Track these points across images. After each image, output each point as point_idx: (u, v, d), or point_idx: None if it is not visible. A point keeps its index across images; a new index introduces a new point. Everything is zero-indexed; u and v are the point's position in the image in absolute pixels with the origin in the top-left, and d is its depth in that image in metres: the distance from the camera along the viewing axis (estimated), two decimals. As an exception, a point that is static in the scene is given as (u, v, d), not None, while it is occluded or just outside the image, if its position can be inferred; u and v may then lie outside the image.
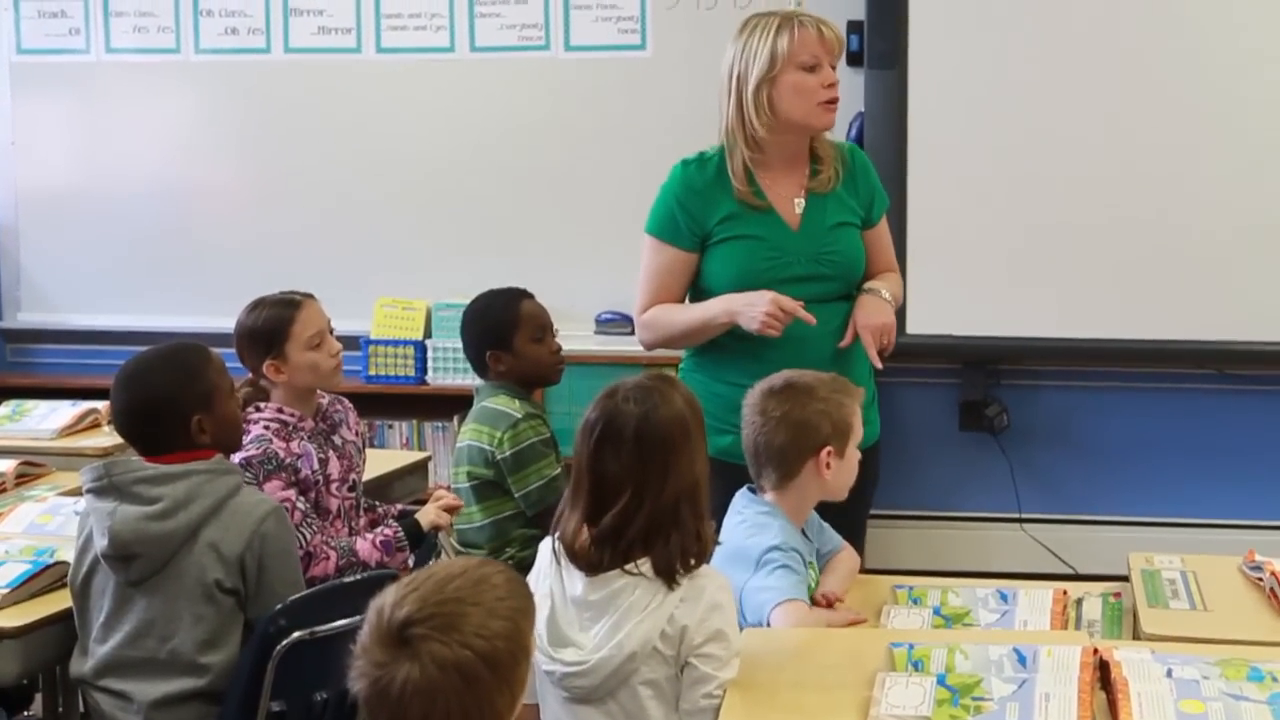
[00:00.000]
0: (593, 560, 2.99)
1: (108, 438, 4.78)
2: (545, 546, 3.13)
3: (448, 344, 6.41)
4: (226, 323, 6.52)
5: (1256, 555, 3.54)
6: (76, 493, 4.20)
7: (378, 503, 4.45)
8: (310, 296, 4.20)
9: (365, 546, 4.02)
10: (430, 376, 6.44)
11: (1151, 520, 6.22)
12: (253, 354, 4.03)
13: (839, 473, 3.45)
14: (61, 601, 3.57)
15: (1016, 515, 6.26)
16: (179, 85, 6.81)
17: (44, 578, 3.63)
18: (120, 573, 3.36)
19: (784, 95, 3.95)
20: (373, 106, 6.64)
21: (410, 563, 4.18)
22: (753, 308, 3.86)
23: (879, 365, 3.96)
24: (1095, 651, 2.86)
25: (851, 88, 5.96)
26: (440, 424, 6.41)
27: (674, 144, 6.29)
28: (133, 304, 6.89)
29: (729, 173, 4.02)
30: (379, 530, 4.11)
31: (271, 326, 4.06)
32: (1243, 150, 5.90)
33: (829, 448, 3.40)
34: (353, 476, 4.22)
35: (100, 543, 3.35)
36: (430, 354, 6.44)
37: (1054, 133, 5.94)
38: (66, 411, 4.98)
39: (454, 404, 6.43)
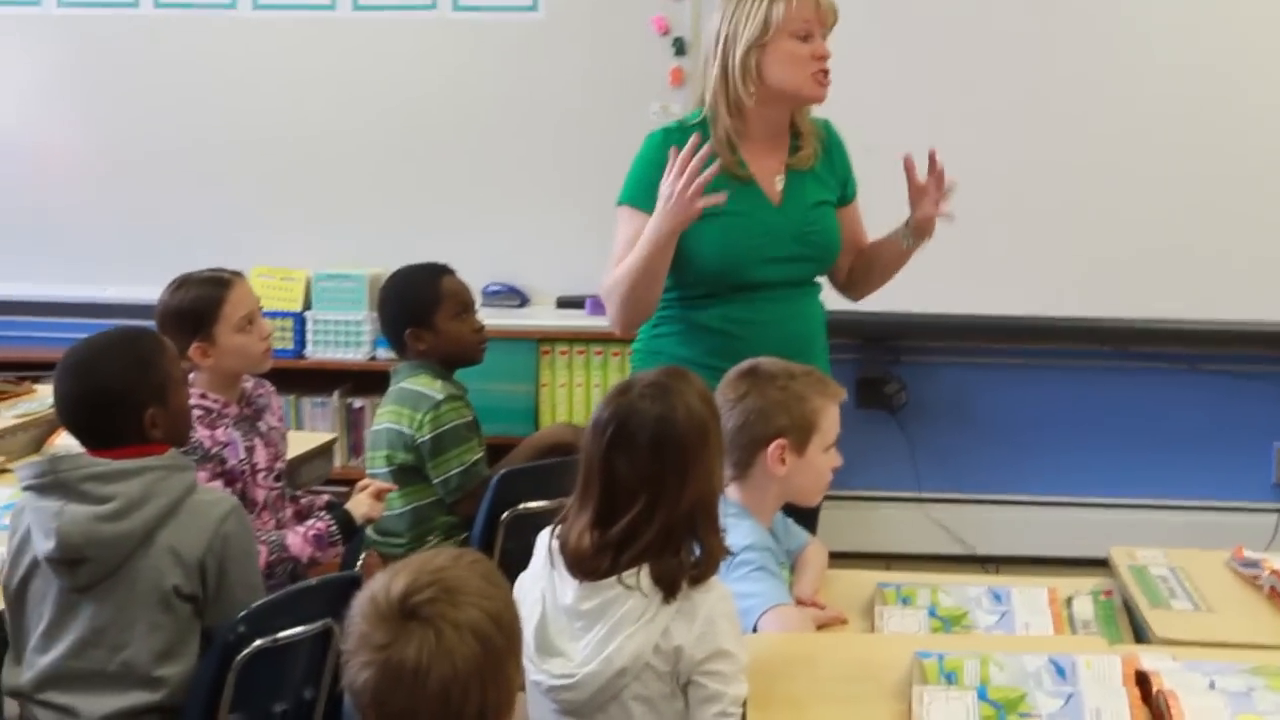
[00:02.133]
0: (591, 567, 2.80)
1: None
2: (541, 547, 2.93)
3: (329, 316, 6.17)
4: (85, 291, 6.38)
5: (1245, 551, 3.45)
6: None
7: (300, 492, 4.22)
8: (239, 274, 3.97)
9: (296, 541, 3.80)
10: (310, 350, 6.17)
11: (1051, 499, 6.19)
12: (178, 336, 3.76)
13: (799, 472, 3.25)
14: (-10, 605, 3.32)
15: (915, 494, 6.16)
16: (39, 41, 6.45)
17: (-34, 581, 3.35)
18: (66, 578, 3.10)
19: (775, 63, 3.78)
20: (248, 66, 6.36)
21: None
22: (669, 202, 3.64)
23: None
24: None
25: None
26: (320, 399, 6.16)
27: (567, 110, 6.22)
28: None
29: (712, 141, 3.81)
30: (310, 523, 3.88)
31: (199, 307, 3.83)
32: (1139, 127, 5.87)
33: (782, 440, 3.21)
34: (279, 465, 3.99)
35: (44, 545, 3.08)
36: (310, 326, 6.17)
37: (951, 107, 5.83)
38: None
39: (334, 379, 6.20)
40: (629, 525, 2.76)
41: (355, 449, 6.10)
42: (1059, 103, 5.87)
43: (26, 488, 3.13)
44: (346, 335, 6.12)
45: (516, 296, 6.24)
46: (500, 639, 2.15)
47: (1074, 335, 6.05)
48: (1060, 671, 2.71)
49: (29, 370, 5.94)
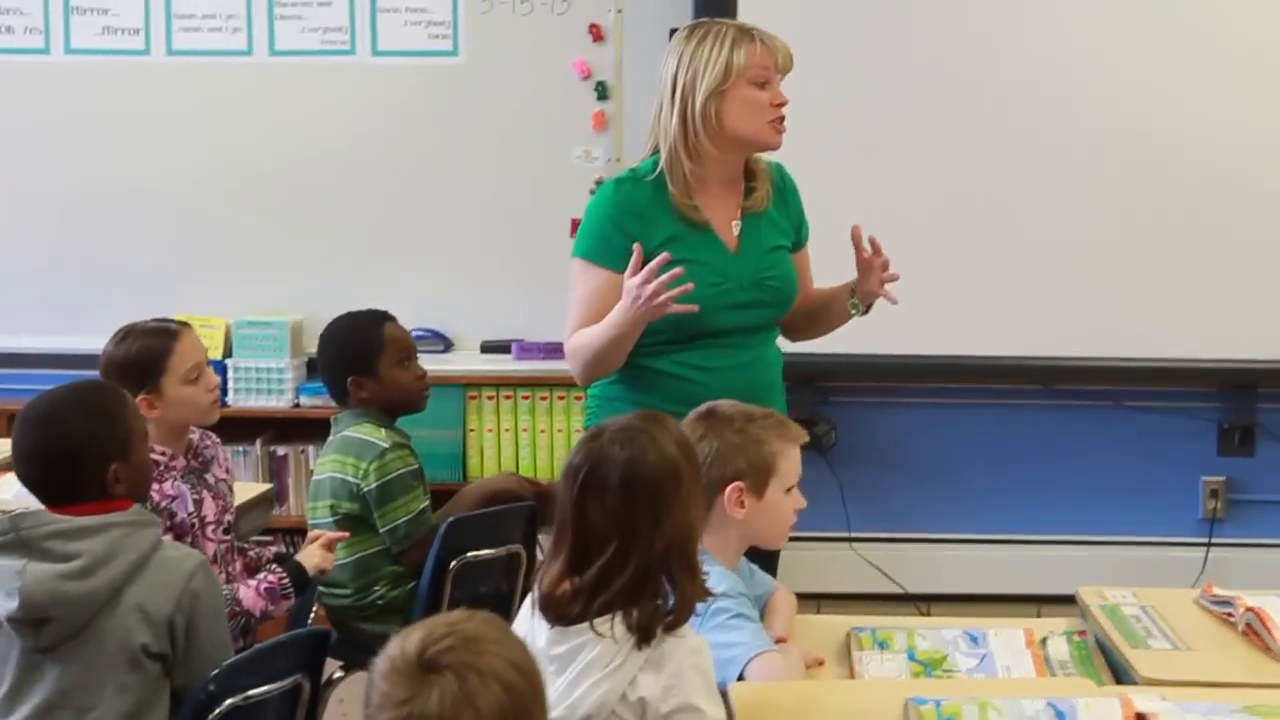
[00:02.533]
0: (563, 612, 2.75)
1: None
2: (526, 603, 2.87)
3: (250, 363, 6.06)
4: (5, 342, 6.23)
5: (1216, 589, 3.44)
6: None
7: (247, 545, 4.14)
8: (186, 325, 3.89)
9: (249, 595, 3.72)
10: (231, 398, 6.06)
11: (981, 537, 6.19)
12: (124, 387, 3.64)
13: (759, 515, 3.22)
14: (-59, 670, 3.20)
15: (846, 534, 6.14)
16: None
17: (-84, 643, 3.24)
18: (29, 638, 3.00)
19: (732, 110, 3.76)
20: (163, 112, 6.23)
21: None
22: (631, 298, 3.61)
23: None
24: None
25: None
26: (243, 447, 6.04)
27: (489, 154, 6.17)
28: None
29: (668, 188, 3.80)
30: (261, 576, 3.80)
31: (145, 358, 3.75)
32: (1061, 167, 5.90)
33: (739, 483, 3.19)
34: (228, 518, 3.91)
35: (6, 605, 2.98)
36: (231, 374, 6.06)
37: (877, 144, 5.85)
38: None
39: (257, 426, 6.10)
40: (601, 570, 2.72)
41: (279, 497, 5.98)
42: (981, 146, 5.89)
43: (-15, 546, 3.03)
44: (269, 383, 6.03)
45: (441, 341, 6.17)
46: (524, 686, 2.10)
47: (1001, 374, 6.07)
48: (1060, 715, 2.68)
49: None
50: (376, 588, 4.35)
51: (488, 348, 6.19)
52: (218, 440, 4.03)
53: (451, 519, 4.24)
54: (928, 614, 6.03)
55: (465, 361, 6.09)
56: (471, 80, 6.18)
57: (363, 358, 4.41)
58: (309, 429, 6.06)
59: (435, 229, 6.21)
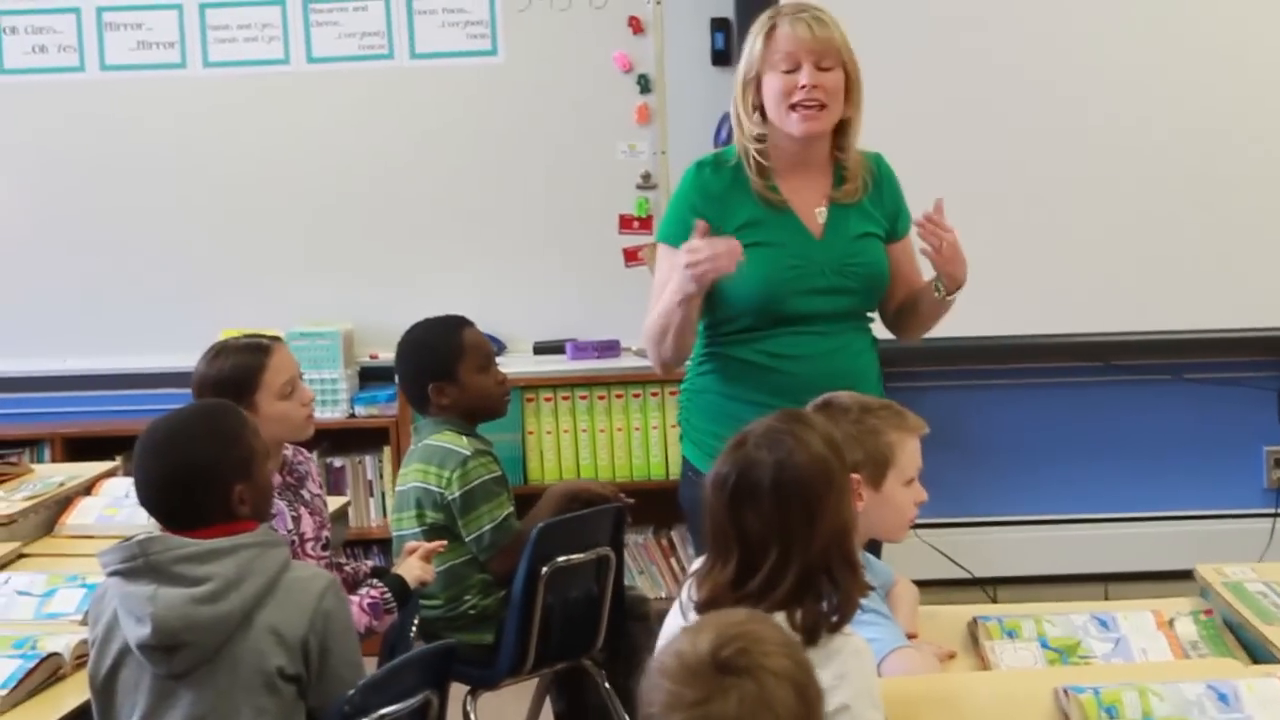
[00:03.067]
0: None
1: (1, 504, 4.31)
2: (675, 610, 2.83)
3: (305, 375, 5.98)
4: (43, 364, 6.19)
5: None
6: None
7: (344, 560, 4.10)
8: (279, 340, 3.85)
9: (354, 611, 3.67)
10: (284, 411, 5.99)
11: (1045, 518, 6.17)
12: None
13: (877, 507, 3.16)
14: (64, 700, 3.20)
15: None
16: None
17: (39, 673, 3.21)
18: (161, 664, 2.96)
19: (766, 98, 3.76)
20: (202, 125, 6.19)
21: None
22: (679, 272, 3.61)
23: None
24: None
25: (717, 88, 5.80)
26: (303, 460, 5.99)
27: (533, 153, 6.13)
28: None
29: (746, 172, 3.78)
30: (364, 592, 3.76)
31: (239, 375, 3.72)
32: (1119, 139, 5.89)
33: (856, 476, 3.12)
34: (324, 534, 3.87)
35: (138, 632, 2.93)
36: (284, 386, 6.00)
37: (921, 123, 5.79)
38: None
39: (315, 438, 6.02)
40: (767, 577, 2.67)
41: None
42: (1041, 119, 5.87)
43: (113, 572, 2.99)
44: (323, 394, 5.96)
45: (493, 344, 6.10)
46: (812, 688, 2.14)
47: (1059, 352, 6.05)
48: (1223, 698, 2.65)
49: (6, 448, 5.81)
50: (468, 597, 4.30)
51: (541, 349, 6.15)
52: (310, 456, 3.99)
53: (542, 524, 4.20)
54: (994, 598, 6.00)
55: (519, 363, 6.03)
56: (512, 79, 6.14)
57: (443, 364, 4.36)
58: (365, 439, 6.03)
59: (482, 231, 6.16)
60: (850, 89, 3.77)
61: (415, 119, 6.17)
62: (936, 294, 3.87)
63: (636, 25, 6.04)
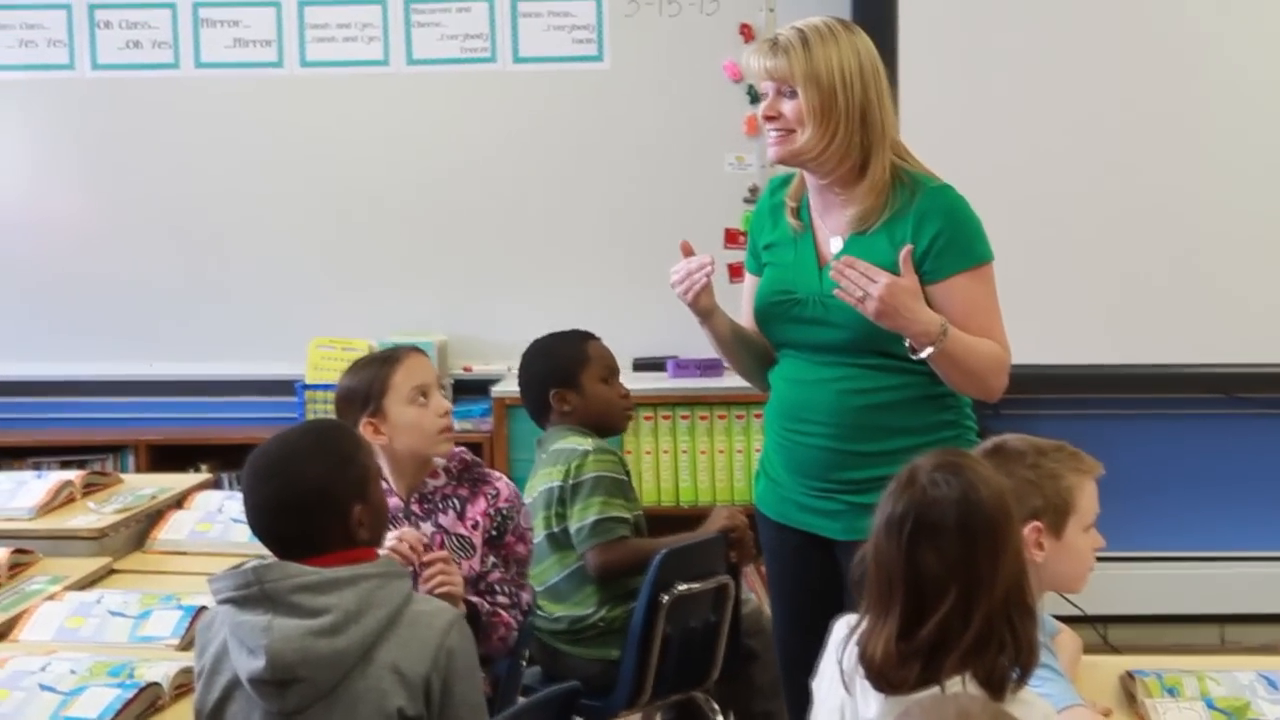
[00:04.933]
0: (899, 678, 2.49)
1: (92, 515, 4.14)
2: (831, 655, 2.63)
3: (397, 387, 5.82)
4: (132, 369, 6.04)
5: None
6: (81, 585, 3.72)
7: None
8: (416, 349, 3.70)
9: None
10: (377, 423, 5.83)
11: (1159, 554, 5.96)
12: (349, 413, 3.56)
13: (1058, 557, 2.97)
14: (165, 733, 2.99)
15: (1024, 555, 5.89)
16: (71, 105, 6.11)
17: (138, 704, 3.01)
18: (273, 700, 2.76)
19: None
20: (298, 127, 6.05)
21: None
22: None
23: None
24: None
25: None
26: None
27: (637, 163, 5.95)
28: (39, 350, 6.20)
29: (786, 193, 3.67)
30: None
31: (369, 382, 3.58)
32: (1246, 165, 5.69)
33: (1037, 524, 2.93)
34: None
35: (251, 664, 2.74)
36: (375, 398, 5.83)
37: (1043, 148, 5.67)
38: (36, 485, 4.29)
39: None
40: (940, 625, 2.46)
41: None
42: (1151, 146, 5.71)
43: (224, 600, 2.80)
44: (414, 406, 5.78)
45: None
46: None
47: (1179, 383, 5.85)
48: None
49: (89, 453, 5.68)
50: (594, 610, 4.16)
51: (640, 365, 5.95)
52: (465, 495, 3.70)
53: (665, 550, 4.03)
54: (1105, 637, 5.79)
55: None
56: (618, 86, 5.98)
57: (566, 371, 4.29)
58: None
59: (582, 242, 5.99)
60: (826, 111, 3.46)
61: (516, 125, 6.00)
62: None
63: (748, 33, 5.85)
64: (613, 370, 4.33)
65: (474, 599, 3.51)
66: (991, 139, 5.67)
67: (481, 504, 3.58)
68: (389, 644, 2.77)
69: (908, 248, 3.40)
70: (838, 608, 3.38)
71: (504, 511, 3.62)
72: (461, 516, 3.63)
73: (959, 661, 2.46)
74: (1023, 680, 2.49)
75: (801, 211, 3.63)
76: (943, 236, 3.50)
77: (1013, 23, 5.71)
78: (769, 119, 3.53)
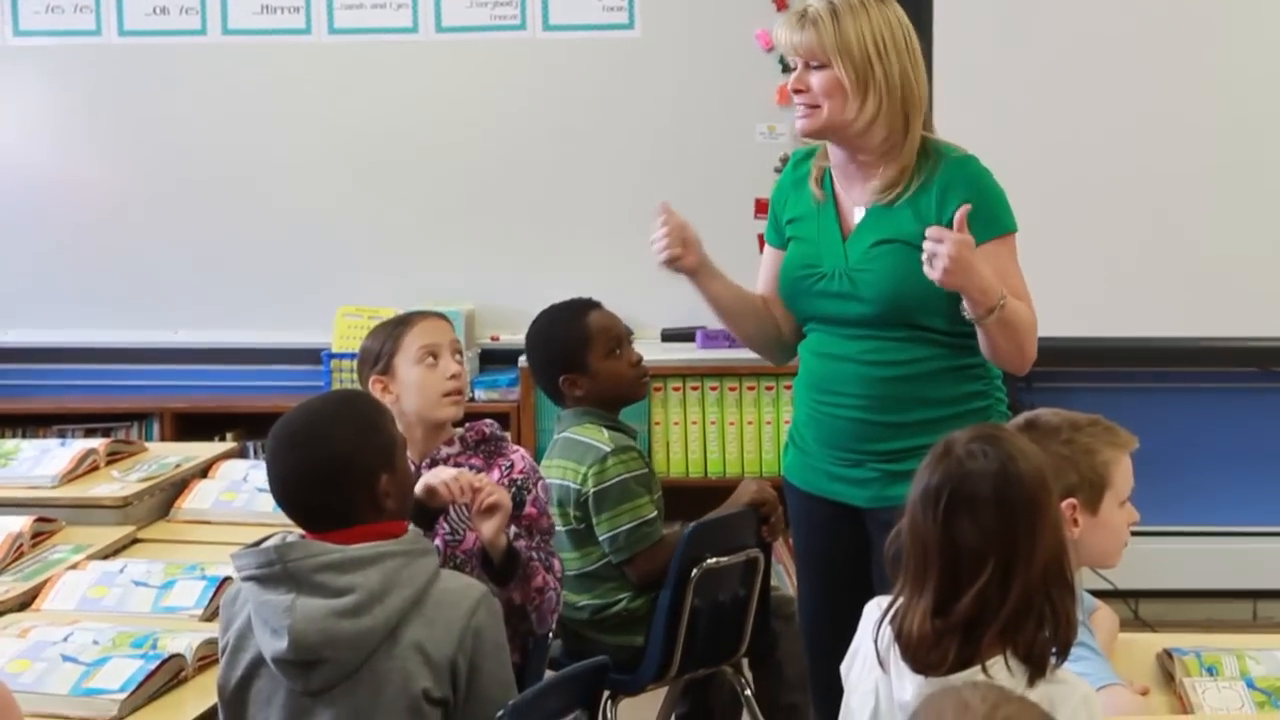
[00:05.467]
0: (934, 659, 2.46)
1: (116, 484, 4.12)
2: (866, 636, 2.59)
3: (425, 355, 5.78)
4: (156, 336, 6.02)
5: None
6: (105, 554, 3.73)
7: None
8: (437, 313, 3.65)
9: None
10: (402, 393, 5.79)
11: (1191, 529, 5.90)
12: (365, 372, 3.52)
13: (1093, 533, 2.94)
14: (186, 705, 2.98)
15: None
16: (98, 71, 6.07)
17: (160, 675, 3.00)
18: (297, 680, 2.73)
19: None
20: (325, 94, 5.99)
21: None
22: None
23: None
24: None
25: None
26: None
27: (667, 132, 5.89)
28: (64, 316, 6.15)
29: (810, 166, 3.64)
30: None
31: (385, 337, 3.54)
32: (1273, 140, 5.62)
33: (1072, 500, 2.89)
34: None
35: (274, 644, 2.71)
36: (402, 368, 5.79)
37: (1078, 116, 5.61)
38: (60, 453, 4.27)
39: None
40: (976, 600, 2.44)
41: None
42: (1187, 118, 5.65)
43: (248, 577, 2.77)
44: (443, 374, 5.74)
45: (622, 325, 5.89)
46: None
47: (1213, 356, 5.80)
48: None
49: (114, 421, 5.66)
50: (617, 598, 4.10)
51: (669, 336, 5.90)
52: (479, 466, 3.54)
53: (693, 525, 3.99)
54: (1136, 611, 5.74)
55: (646, 351, 5.61)
56: (649, 55, 5.91)
57: (571, 354, 4.14)
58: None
59: (611, 211, 5.92)
60: (861, 84, 3.42)
61: (545, 93, 5.95)
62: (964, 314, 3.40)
63: (781, 2, 5.78)
64: (618, 339, 4.19)
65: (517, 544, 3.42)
66: (1030, 110, 5.62)
67: (495, 476, 3.49)
68: (414, 624, 2.74)
69: (965, 207, 3.32)
70: (865, 580, 3.38)
71: (518, 483, 3.50)
72: None
73: (997, 638, 2.43)
74: (1061, 657, 2.46)
75: (825, 181, 3.59)
76: (960, 205, 3.42)
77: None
78: (797, 92, 3.50)
